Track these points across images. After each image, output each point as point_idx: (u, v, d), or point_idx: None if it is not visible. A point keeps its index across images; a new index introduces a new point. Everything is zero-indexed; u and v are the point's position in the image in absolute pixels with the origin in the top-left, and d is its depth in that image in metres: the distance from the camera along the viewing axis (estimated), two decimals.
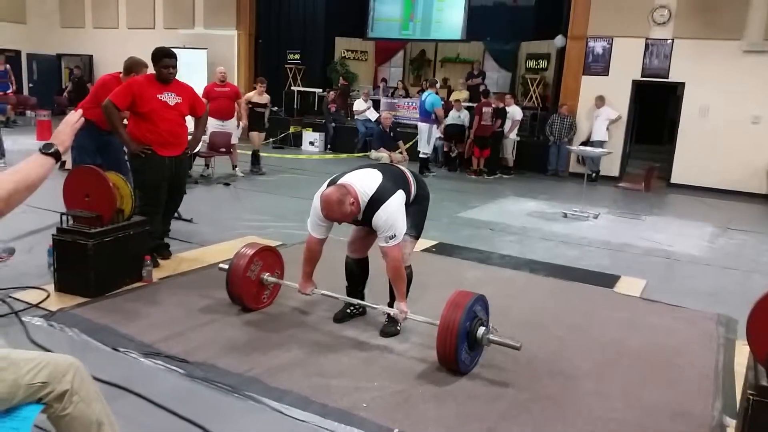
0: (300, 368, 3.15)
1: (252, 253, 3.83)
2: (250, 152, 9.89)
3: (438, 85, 11.32)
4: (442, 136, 11.54)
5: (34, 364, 1.86)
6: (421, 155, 10.72)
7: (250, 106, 9.73)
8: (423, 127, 10.75)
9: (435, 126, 10.84)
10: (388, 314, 3.72)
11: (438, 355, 3.18)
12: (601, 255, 6.00)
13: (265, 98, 9.99)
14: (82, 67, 16.71)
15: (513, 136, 11.47)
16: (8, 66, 14.71)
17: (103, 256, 3.96)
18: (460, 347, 3.10)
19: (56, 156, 2.02)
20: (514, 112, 11.44)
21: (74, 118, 2.14)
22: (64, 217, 4.06)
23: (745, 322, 2.51)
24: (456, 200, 8.49)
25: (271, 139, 9.78)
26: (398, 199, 3.36)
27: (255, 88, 10.08)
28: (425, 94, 10.95)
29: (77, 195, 4.06)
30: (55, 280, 4.04)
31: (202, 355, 3.21)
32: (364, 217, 3.38)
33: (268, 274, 3.92)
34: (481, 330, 3.21)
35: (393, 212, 3.30)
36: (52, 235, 4.08)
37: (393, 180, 3.44)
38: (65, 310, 3.71)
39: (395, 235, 3.31)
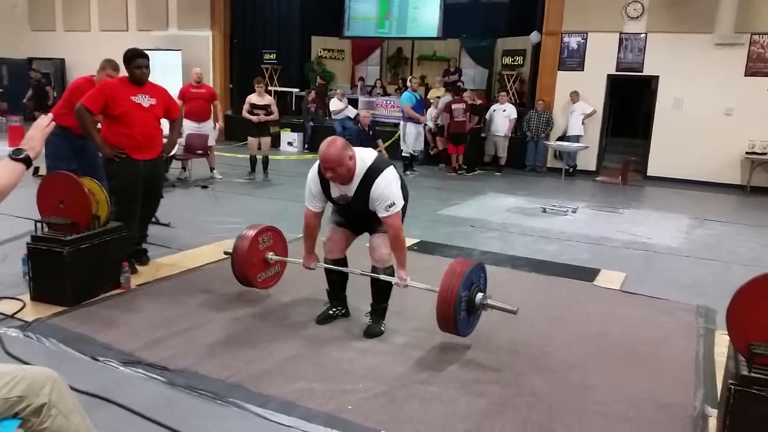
0: (283, 372, 3.12)
1: (264, 227, 3.99)
2: (250, 158, 9.45)
3: (415, 83, 11.16)
4: (433, 129, 11.44)
5: (9, 378, 1.81)
6: (403, 154, 10.69)
7: (250, 108, 9.12)
8: (405, 125, 10.74)
9: (416, 124, 10.71)
10: (372, 314, 3.71)
11: (438, 320, 3.24)
12: (581, 249, 6.05)
13: (267, 99, 9.36)
14: (52, 71, 16.41)
15: (508, 133, 11.47)
16: None
17: (79, 264, 3.89)
18: (459, 312, 3.16)
19: (26, 162, 1.98)
20: (510, 111, 11.47)
21: (44, 122, 2.09)
22: (39, 225, 3.98)
23: (725, 313, 2.54)
24: (436, 198, 8.50)
25: (248, 139, 9.40)
26: (393, 171, 3.43)
27: (254, 90, 9.31)
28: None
29: (52, 202, 3.98)
30: (31, 289, 3.96)
31: (183, 362, 3.17)
32: (357, 191, 3.37)
33: (273, 252, 3.99)
34: (479, 296, 3.30)
35: (390, 181, 3.35)
36: (27, 243, 4.00)
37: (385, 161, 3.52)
38: (41, 320, 3.63)
39: (394, 203, 3.35)
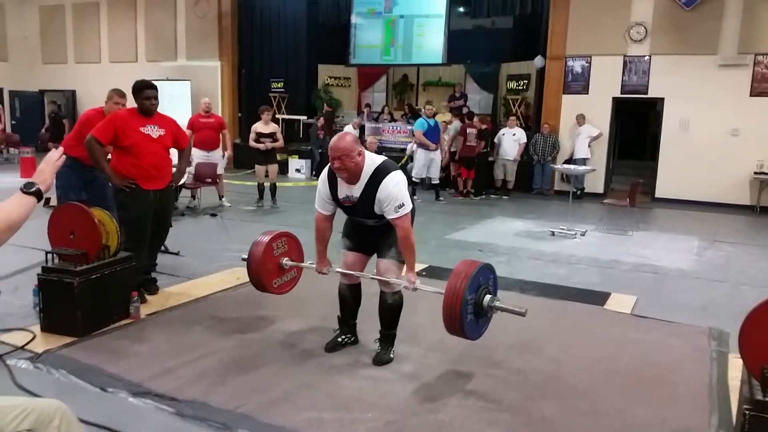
0: (292, 402, 3.11)
1: (279, 233, 3.99)
2: (258, 185, 9.50)
3: (429, 110, 10.79)
4: (447, 157, 11.25)
5: (19, 411, 1.82)
6: (413, 179, 10.57)
7: (256, 137, 9.17)
8: (416, 151, 10.72)
9: (426, 151, 10.51)
10: (381, 341, 3.69)
11: (444, 323, 3.17)
12: (590, 272, 6.01)
13: (272, 127, 9.40)
14: (63, 103, 16.66)
15: (517, 157, 11.47)
16: None
17: (89, 294, 3.91)
18: (465, 315, 3.10)
19: (38, 195, 2.00)
20: (520, 135, 11.50)
21: (56, 155, 2.13)
22: (50, 256, 4.01)
23: (737, 336, 2.52)
24: (444, 222, 8.50)
25: (256, 167, 9.48)
26: (402, 174, 3.45)
27: (260, 118, 9.36)
28: None
29: (62, 232, 4.01)
30: (41, 320, 3.97)
31: (191, 393, 3.16)
32: (364, 192, 3.38)
33: (288, 258, 3.97)
34: (488, 298, 3.23)
35: (399, 182, 3.36)
36: (38, 274, 4.02)
37: None
38: (51, 351, 3.64)
39: (403, 204, 3.35)
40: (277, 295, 4.09)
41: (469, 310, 3.15)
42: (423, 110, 11.16)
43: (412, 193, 10.08)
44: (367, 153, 3.43)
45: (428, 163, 10.62)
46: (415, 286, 3.44)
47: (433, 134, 10.63)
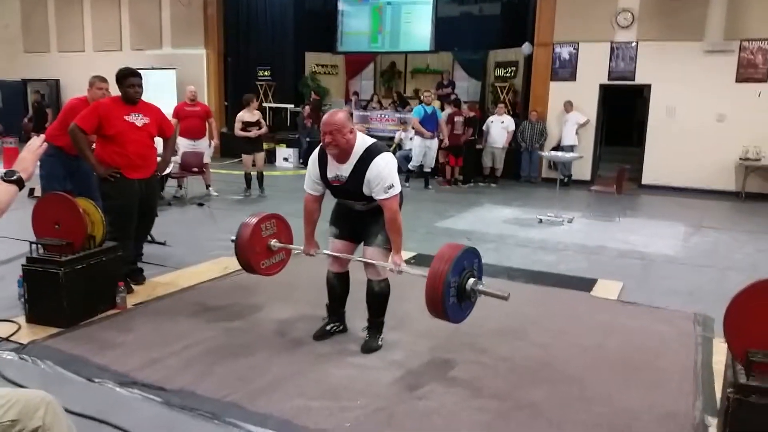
0: (280, 390, 3.10)
1: (267, 214, 3.96)
2: (245, 175, 9.45)
3: (427, 96, 10.57)
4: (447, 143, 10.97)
5: (3, 401, 1.81)
6: (410, 167, 10.60)
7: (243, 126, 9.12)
8: (413, 139, 10.67)
9: (422, 138, 10.36)
10: (369, 329, 3.69)
11: (427, 306, 3.16)
12: (578, 259, 6.05)
13: (256, 115, 9.34)
14: (47, 92, 16.46)
15: (506, 144, 11.44)
16: None
17: (75, 285, 3.87)
18: (447, 298, 3.09)
19: (19, 183, 1.98)
20: (509, 122, 11.48)
21: (36, 143, 2.10)
22: (34, 246, 3.97)
23: (722, 320, 2.54)
24: (432, 210, 8.51)
25: (242, 156, 9.43)
26: (392, 156, 3.46)
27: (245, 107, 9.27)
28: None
29: (47, 223, 3.97)
30: (26, 311, 3.93)
31: (179, 382, 3.15)
32: (353, 171, 3.37)
33: (276, 240, 3.94)
34: (471, 281, 3.22)
35: (389, 162, 3.38)
36: (22, 264, 3.98)
37: None
38: (37, 342, 3.61)
39: (393, 185, 3.36)
40: (265, 279, 4.07)
41: (451, 293, 3.14)
42: (422, 97, 10.90)
43: (405, 180, 10.15)
44: (359, 134, 3.43)
45: (424, 150, 10.47)
46: (400, 269, 3.44)
47: (430, 122, 10.39)
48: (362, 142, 3.40)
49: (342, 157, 3.39)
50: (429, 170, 10.71)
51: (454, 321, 3.28)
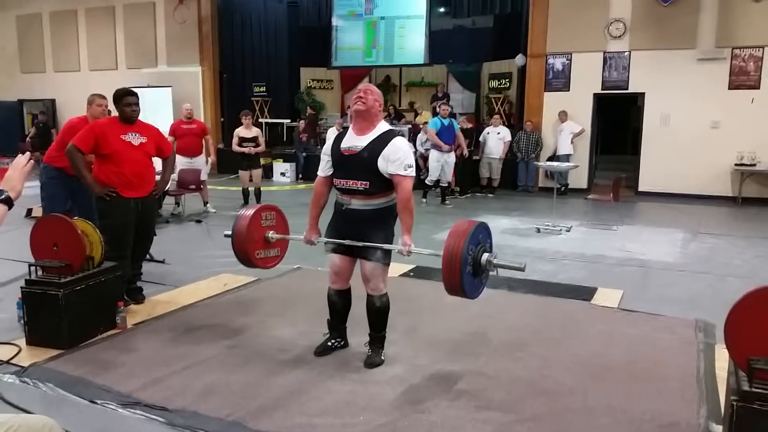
0: (283, 408, 3.09)
1: (266, 205, 4.00)
2: (242, 191, 9.50)
3: (444, 109, 10.06)
4: (424, 154, 10.94)
5: (6, 427, 1.80)
6: (426, 181, 10.20)
7: (239, 142, 9.18)
8: (430, 152, 10.32)
9: (439, 151, 9.90)
10: (370, 344, 3.68)
11: (444, 281, 3.16)
12: (577, 268, 6.05)
13: (254, 131, 9.37)
14: (45, 112, 16.49)
15: (502, 155, 11.46)
16: None
17: (74, 306, 3.87)
18: (464, 273, 3.08)
19: (7, 202, 1.96)
20: (505, 133, 11.52)
21: (22, 161, 2.07)
22: (33, 268, 3.96)
23: (723, 327, 2.54)
24: (431, 222, 8.50)
25: (239, 172, 9.46)
26: (406, 140, 3.57)
27: (242, 123, 9.36)
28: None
29: (45, 244, 3.96)
30: (26, 333, 3.92)
31: (181, 402, 3.13)
32: (371, 144, 3.43)
33: (274, 231, 3.92)
34: (485, 255, 3.23)
35: (405, 144, 3.52)
36: (21, 287, 3.97)
37: None
38: (38, 365, 3.59)
39: (412, 166, 3.43)
40: (265, 295, 4.08)
41: (468, 261, 3.12)
42: (439, 109, 10.49)
43: (423, 197, 10.02)
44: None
45: (440, 164, 9.95)
46: (410, 250, 3.44)
47: (447, 134, 9.91)
48: (385, 124, 3.57)
49: (363, 126, 3.48)
50: (446, 185, 10.25)
51: (470, 296, 3.26)
